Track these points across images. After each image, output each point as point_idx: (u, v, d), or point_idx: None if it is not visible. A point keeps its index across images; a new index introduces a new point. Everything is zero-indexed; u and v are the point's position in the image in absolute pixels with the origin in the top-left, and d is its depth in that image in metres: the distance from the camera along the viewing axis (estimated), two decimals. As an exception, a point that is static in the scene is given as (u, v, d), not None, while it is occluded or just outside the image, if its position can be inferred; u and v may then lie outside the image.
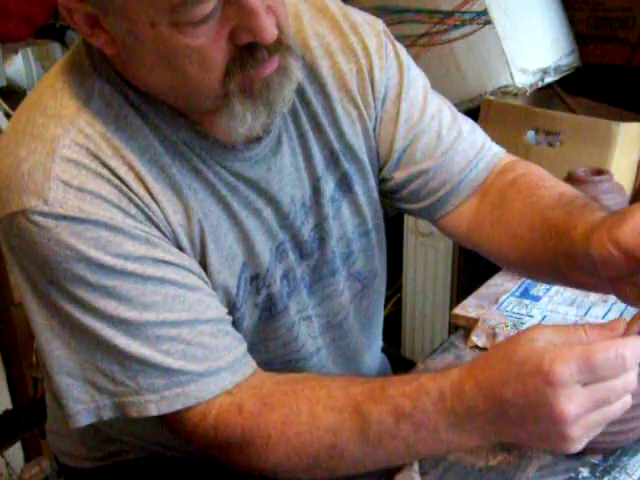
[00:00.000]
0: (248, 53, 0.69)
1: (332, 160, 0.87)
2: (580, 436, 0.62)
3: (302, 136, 0.85)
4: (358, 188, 0.90)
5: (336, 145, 0.87)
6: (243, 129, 0.74)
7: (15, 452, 1.82)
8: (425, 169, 0.91)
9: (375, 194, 0.93)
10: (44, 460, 1.75)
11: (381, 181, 0.94)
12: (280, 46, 0.71)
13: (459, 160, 0.92)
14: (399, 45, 0.92)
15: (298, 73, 0.75)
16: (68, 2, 0.67)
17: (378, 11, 1.71)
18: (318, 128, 0.86)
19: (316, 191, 0.87)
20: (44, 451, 1.84)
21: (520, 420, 0.63)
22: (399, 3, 1.73)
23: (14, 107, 1.72)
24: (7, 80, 1.79)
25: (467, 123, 0.95)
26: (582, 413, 0.61)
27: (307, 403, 0.73)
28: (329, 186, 0.88)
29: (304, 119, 0.85)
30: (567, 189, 0.86)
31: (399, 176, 0.92)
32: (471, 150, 0.92)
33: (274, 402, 0.74)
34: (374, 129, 0.90)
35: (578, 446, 0.63)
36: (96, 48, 0.74)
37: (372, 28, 0.89)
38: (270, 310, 0.86)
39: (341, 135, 0.87)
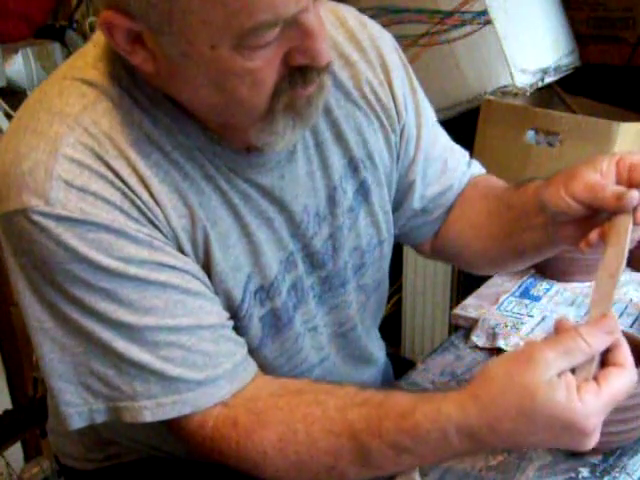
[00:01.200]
0: (299, 73, 0.68)
1: (351, 168, 0.87)
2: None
3: (319, 145, 0.84)
4: (374, 198, 0.90)
5: (357, 153, 0.87)
6: (282, 145, 0.74)
7: (15, 452, 1.82)
8: (431, 194, 0.95)
9: (388, 206, 0.93)
10: (44, 460, 1.74)
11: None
12: (328, 66, 0.71)
13: (456, 185, 0.97)
14: (407, 62, 0.93)
15: (331, 88, 0.76)
16: (113, 18, 0.64)
17: (378, 11, 1.71)
18: (339, 136, 0.85)
19: (331, 201, 0.86)
20: (44, 451, 1.84)
21: (539, 446, 0.68)
22: (399, 3, 1.73)
23: (14, 107, 1.72)
24: (7, 80, 1.79)
25: (455, 144, 1.00)
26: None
27: (303, 422, 0.72)
28: (347, 195, 0.87)
29: (323, 127, 0.84)
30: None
31: (409, 197, 0.95)
32: (462, 174, 0.97)
33: (269, 418, 0.73)
34: (396, 144, 0.91)
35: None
36: (107, 49, 0.73)
37: (387, 42, 0.90)
38: (276, 325, 0.85)
39: (364, 143, 0.87)
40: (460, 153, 0.99)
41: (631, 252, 1.16)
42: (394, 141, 0.90)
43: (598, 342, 0.63)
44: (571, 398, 0.61)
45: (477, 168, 1.01)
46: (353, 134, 0.86)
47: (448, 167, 0.96)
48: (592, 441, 0.63)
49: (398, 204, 0.96)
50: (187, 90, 0.70)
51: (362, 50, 0.87)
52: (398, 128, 0.90)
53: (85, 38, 1.92)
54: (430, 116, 0.96)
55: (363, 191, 0.89)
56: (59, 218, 0.68)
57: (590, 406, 0.61)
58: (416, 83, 0.94)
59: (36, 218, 0.68)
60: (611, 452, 0.83)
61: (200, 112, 0.73)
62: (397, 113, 0.90)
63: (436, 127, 0.97)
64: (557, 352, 0.62)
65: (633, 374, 0.64)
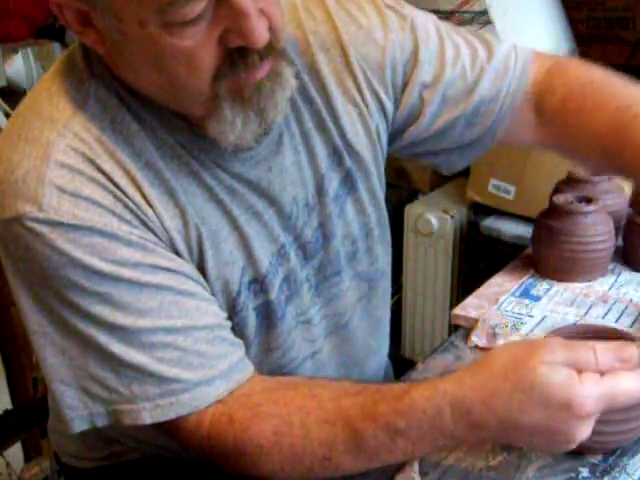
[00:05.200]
0: (239, 56, 0.68)
1: (335, 158, 0.87)
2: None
3: (305, 134, 0.84)
4: (361, 186, 0.90)
5: (339, 142, 0.87)
6: (233, 136, 0.73)
7: (15, 452, 1.82)
8: (459, 114, 0.90)
9: (378, 194, 0.93)
10: (44, 460, 1.74)
11: (424, 139, 0.92)
12: (273, 50, 0.70)
13: (489, 93, 0.90)
14: (402, 4, 0.89)
15: (292, 80, 0.74)
16: None
17: (378, 11, 1.71)
18: (321, 126, 0.85)
19: (320, 190, 0.86)
20: (44, 451, 1.84)
21: (530, 438, 0.64)
22: (399, 3, 1.73)
23: (14, 107, 1.71)
24: (7, 80, 1.79)
25: (482, 46, 0.92)
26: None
27: (298, 414, 0.72)
28: (333, 184, 0.87)
29: (307, 117, 0.84)
30: (613, 102, 0.87)
31: (439, 125, 0.91)
32: (497, 78, 0.90)
33: (264, 412, 0.73)
34: (395, 109, 0.89)
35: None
36: (92, 50, 0.73)
37: (371, 5, 0.87)
38: (270, 318, 0.85)
39: (342, 133, 0.87)
40: (489, 50, 0.91)
41: (631, 251, 1.16)
42: (373, 126, 0.88)
43: (606, 361, 0.63)
44: (572, 376, 0.61)
45: (522, 56, 0.93)
46: (333, 124, 0.86)
47: (468, 81, 0.89)
48: (584, 431, 0.62)
49: (447, 129, 0.92)
50: (131, 72, 0.71)
51: (336, 28, 0.85)
52: (387, 98, 0.88)
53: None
54: (431, 42, 0.89)
55: (349, 180, 0.89)
56: (53, 224, 0.69)
57: (589, 388, 0.61)
58: (414, 22, 0.88)
59: (30, 224, 0.69)
60: (611, 452, 0.83)
61: (152, 97, 0.73)
62: (393, 84, 0.88)
63: (447, 47, 0.89)
64: (565, 349, 0.63)
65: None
